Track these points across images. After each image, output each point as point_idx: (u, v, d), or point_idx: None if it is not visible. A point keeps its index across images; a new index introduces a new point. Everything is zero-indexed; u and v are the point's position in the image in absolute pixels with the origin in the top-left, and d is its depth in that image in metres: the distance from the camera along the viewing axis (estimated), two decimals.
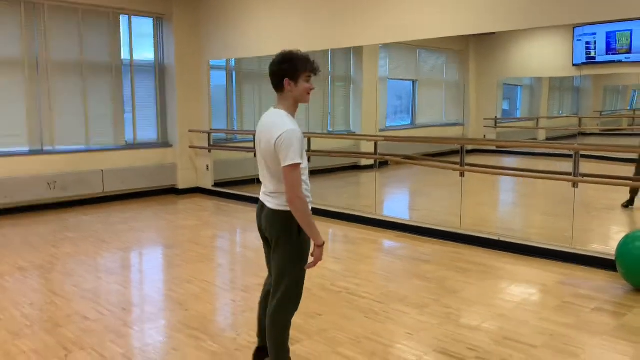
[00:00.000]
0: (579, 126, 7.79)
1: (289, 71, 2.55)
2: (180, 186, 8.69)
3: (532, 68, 7.85)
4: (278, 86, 2.60)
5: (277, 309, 2.70)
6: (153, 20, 8.38)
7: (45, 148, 7.45)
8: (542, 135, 8.52)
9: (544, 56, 7.38)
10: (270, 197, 2.65)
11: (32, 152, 7.33)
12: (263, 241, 2.84)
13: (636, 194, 6.23)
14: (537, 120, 8.64)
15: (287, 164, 2.46)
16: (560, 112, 8.58)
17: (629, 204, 6.26)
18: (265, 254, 2.85)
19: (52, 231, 6.28)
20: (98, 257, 5.28)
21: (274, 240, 2.66)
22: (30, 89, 7.27)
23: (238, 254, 5.64)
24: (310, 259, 2.64)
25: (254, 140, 2.91)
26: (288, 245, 2.63)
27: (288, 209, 2.57)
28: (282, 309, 2.70)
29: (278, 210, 2.61)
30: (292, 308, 2.73)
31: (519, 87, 8.79)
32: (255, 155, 2.80)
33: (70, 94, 7.63)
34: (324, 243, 2.60)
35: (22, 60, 7.16)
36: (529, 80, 8.60)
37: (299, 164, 2.48)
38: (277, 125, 2.52)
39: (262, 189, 2.74)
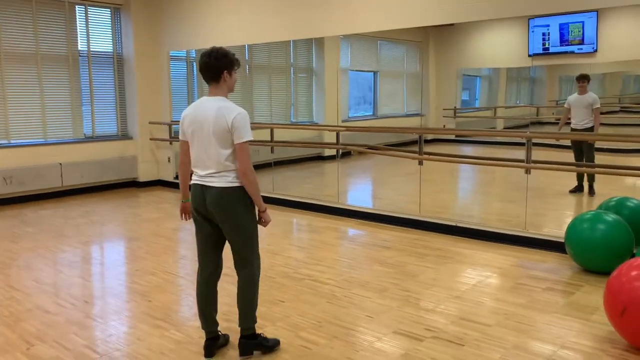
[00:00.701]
0: (536, 115, 8.04)
1: (227, 65, 2.89)
2: (141, 179, 8.59)
3: (490, 59, 8.04)
4: (216, 78, 2.89)
5: (250, 274, 2.99)
6: (110, 10, 8.24)
7: (0, 142, 7.27)
8: (500, 124, 8.74)
9: (502, 47, 7.56)
10: (216, 177, 2.86)
11: None
12: (202, 225, 2.98)
13: (582, 179, 6.48)
14: (495, 110, 8.85)
15: (244, 140, 2.81)
16: (518, 102, 8.81)
17: (577, 189, 6.51)
18: (206, 235, 2.99)
19: (10, 226, 6.16)
20: (58, 251, 5.22)
21: (231, 215, 2.87)
22: None
23: None
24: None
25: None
26: (248, 215, 2.92)
27: (239, 184, 2.85)
28: (255, 270, 3.01)
29: (231, 187, 2.85)
30: (259, 263, 3.06)
31: (478, 77, 8.98)
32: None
33: (25, 86, 7.45)
34: (267, 208, 3.00)
35: None
36: (487, 70, 8.80)
37: (250, 140, 2.84)
38: (230, 108, 2.84)
39: (200, 172, 2.91)
